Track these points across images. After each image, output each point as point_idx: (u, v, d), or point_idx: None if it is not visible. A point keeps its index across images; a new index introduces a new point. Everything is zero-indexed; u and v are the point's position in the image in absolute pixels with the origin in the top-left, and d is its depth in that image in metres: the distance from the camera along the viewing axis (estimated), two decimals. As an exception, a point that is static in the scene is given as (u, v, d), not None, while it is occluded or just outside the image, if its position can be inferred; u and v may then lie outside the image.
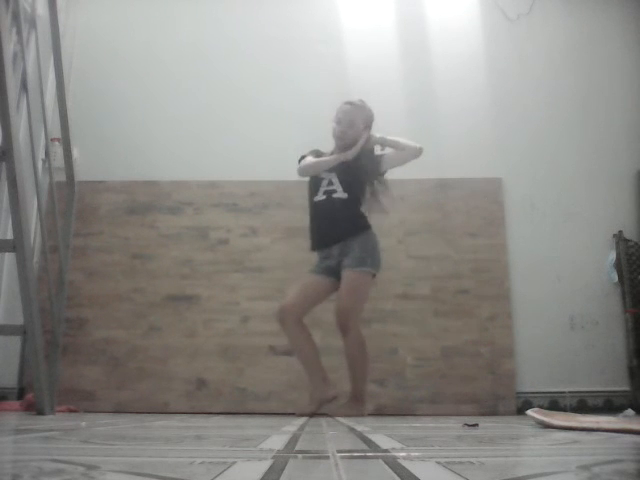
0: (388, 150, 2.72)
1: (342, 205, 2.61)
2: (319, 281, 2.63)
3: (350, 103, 2.71)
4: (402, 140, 2.71)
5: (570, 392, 3.12)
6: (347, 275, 2.55)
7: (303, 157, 2.76)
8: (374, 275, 2.61)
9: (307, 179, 2.75)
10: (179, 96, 3.56)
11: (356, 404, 2.54)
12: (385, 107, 3.45)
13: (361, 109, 2.70)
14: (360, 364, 2.57)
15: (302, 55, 3.58)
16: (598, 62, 3.57)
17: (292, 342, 2.62)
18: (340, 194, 2.62)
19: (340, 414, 2.46)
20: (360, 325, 2.60)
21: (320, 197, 2.65)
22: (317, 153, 2.77)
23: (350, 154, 2.63)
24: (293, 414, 2.59)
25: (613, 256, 3.26)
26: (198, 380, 3.13)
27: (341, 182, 2.63)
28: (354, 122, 2.67)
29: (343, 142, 2.68)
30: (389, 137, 2.71)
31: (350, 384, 2.58)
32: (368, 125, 2.71)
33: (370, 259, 2.58)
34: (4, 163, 2.05)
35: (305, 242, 2.75)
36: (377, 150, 2.73)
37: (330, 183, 2.64)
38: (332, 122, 2.72)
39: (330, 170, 2.66)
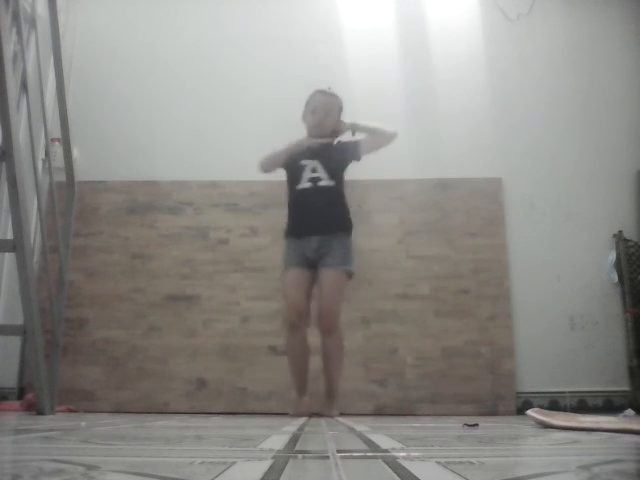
0: (360, 136, 2.71)
1: (330, 194, 2.59)
2: (304, 275, 2.57)
3: (323, 92, 2.70)
4: (373, 125, 2.68)
5: (570, 392, 3.12)
6: (330, 274, 2.52)
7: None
8: (351, 275, 2.59)
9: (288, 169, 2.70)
10: (179, 96, 3.56)
11: (334, 404, 2.55)
12: (385, 107, 3.46)
13: (335, 97, 2.70)
14: (340, 363, 2.58)
15: (303, 55, 3.57)
16: (598, 62, 3.56)
17: (289, 348, 2.62)
18: (326, 181, 2.58)
19: (320, 414, 2.48)
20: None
21: (305, 184, 2.59)
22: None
23: (313, 142, 2.60)
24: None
25: (613, 256, 3.26)
26: (198, 380, 3.13)
27: (325, 169, 2.59)
28: (330, 111, 2.67)
29: (320, 131, 2.66)
30: (361, 122, 2.69)
31: (325, 385, 2.58)
32: (340, 113, 2.71)
33: (350, 258, 2.57)
34: (4, 163, 2.05)
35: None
36: (349, 136, 2.72)
37: (314, 170, 2.59)
38: (308, 111, 2.69)
39: (312, 157, 2.61)
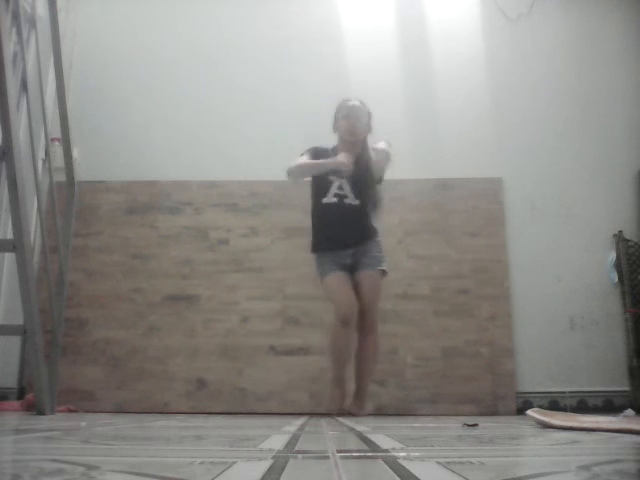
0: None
1: (354, 212, 2.60)
2: (346, 276, 2.58)
3: (354, 99, 2.70)
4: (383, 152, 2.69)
5: (570, 392, 3.12)
6: (369, 274, 2.58)
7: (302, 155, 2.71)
8: (385, 274, 2.65)
9: (310, 179, 2.70)
10: (179, 96, 3.56)
11: (364, 403, 2.58)
12: (385, 107, 3.45)
13: (363, 104, 2.71)
14: (374, 364, 2.62)
15: (302, 55, 3.57)
16: (598, 62, 3.56)
17: (337, 344, 2.56)
18: (351, 200, 2.60)
19: (346, 414, 2.50)
20: None
21: (331, 199, 2.61)
22: (315, 152, 2.69)
23: (349, 169, 2.57)
24: (299, 414, 2.63)
25: (613, 256, 3.26)
26: (198, 380, 3.13)
27: (352, 189, 2.60)
28: (361, 117, 2.66)
29: (353, 137, 2.64)
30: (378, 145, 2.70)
31: (355, 383, 2.61)
32: (370, 120, 2.70)
33: (383, 257, 2.64)
34: (4, 163, 2.05)
35: (305, 242, 2.74)
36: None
37: (340, 188, 2.62)
38: (339, 119, 2.67)
39: (340, 176, 2.61)
